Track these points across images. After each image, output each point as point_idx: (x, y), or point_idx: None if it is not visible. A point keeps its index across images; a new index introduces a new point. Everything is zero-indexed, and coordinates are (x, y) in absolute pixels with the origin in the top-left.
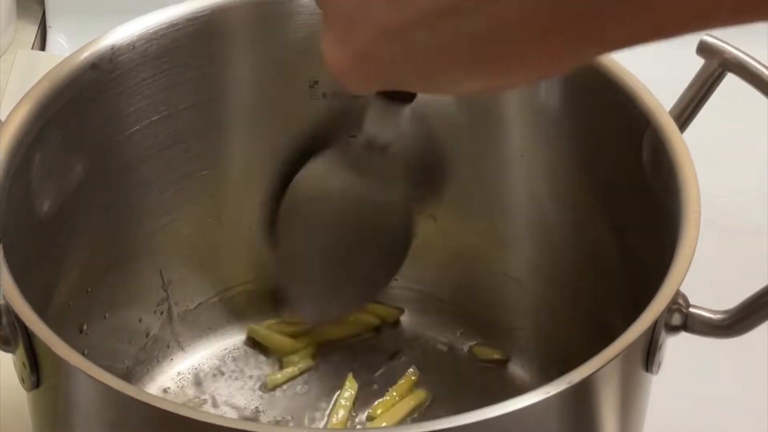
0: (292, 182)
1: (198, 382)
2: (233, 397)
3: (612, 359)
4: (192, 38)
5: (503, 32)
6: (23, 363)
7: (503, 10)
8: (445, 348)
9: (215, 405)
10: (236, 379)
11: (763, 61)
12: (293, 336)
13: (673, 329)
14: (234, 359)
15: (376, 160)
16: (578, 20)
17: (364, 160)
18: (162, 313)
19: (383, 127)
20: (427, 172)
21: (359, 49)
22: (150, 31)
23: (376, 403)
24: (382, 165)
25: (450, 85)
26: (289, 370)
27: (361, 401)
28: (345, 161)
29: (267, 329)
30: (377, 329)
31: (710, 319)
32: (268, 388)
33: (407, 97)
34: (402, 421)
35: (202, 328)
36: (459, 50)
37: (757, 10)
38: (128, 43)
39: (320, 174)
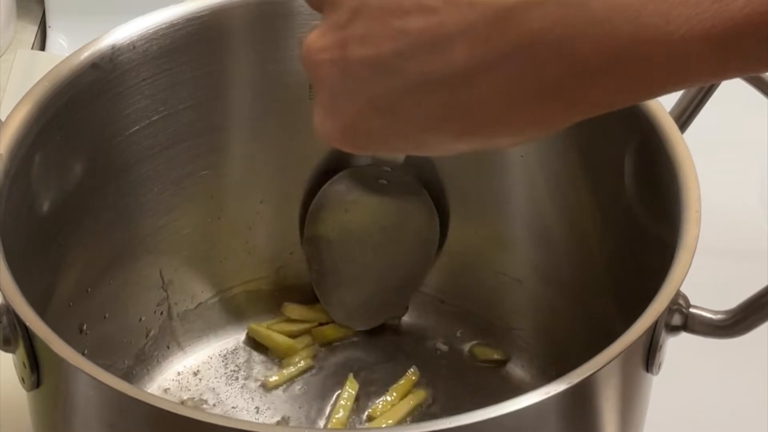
0: (313, 202)
1: (198, 382)
2: (233, 397)
3: (612, 359)
4: (192, 38)
5: (487, 103)
6: (23, 363)
7: (486, 84)
8: (445, 348)
9: (215, 405)
10: (236, 379)
11: None
12: (293, 336)
13: (674, 329)
14: (234, 359)
15: (392, 175)
16: (559, 90)
17: (381, 175)
18: (162, 313)
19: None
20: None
21: (347, 121)
22: (150, 31)
23: (376, 403)
24: (399, 177)
25: (437, 149)
26: (289, 370)
27: (361, 401)
28: (365, 177)
29: (267, 329)
30: (377, 329)
31: (710, 319)
32: (268, 387)
33: None
34: (402, 421)
35: (202, 328)
36: (444, 120)
37: (731, 69)
38: (128, 43)
39: (342, 191)
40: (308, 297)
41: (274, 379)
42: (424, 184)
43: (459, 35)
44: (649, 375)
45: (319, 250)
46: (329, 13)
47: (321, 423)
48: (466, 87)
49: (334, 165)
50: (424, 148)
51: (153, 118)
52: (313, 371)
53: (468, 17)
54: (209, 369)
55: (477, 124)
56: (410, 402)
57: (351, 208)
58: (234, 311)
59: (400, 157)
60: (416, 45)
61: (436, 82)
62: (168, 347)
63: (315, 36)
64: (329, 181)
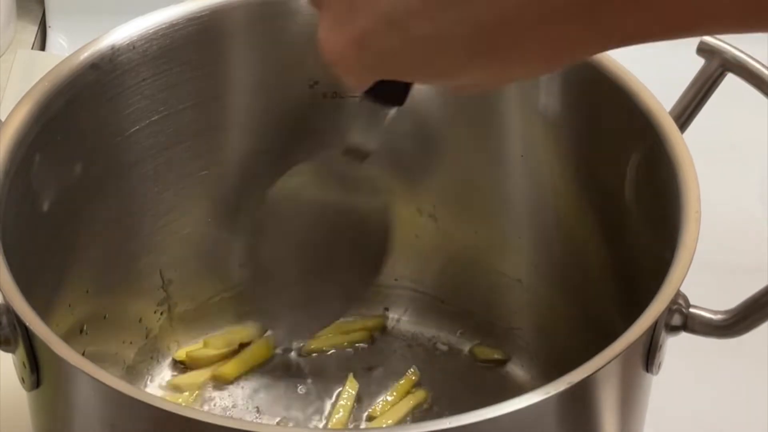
0: (267, 193)
1: None
2: (233, 397)
3: (612, 359)
4: (192, 38)
5: (503, 22)
6: (23, 363)
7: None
8: (445, 348)
9: (215, 405)
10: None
11: (763, 61)
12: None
13: (673, 329)
14: None
15: (354, 171)
16: (578, 11)
17: (343, 170)
18: (162, 313)
19: (369, 133)
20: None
21: (359, 35)
22: (150, 31)
23: (376, 403)
24: (361, 176)
25: (446, 75)
26: (322, 339)
27: (361, 401)
28: (323, 172)
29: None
30: (378, 328)
31: (710, 319)
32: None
33: (397, 99)
34: (402, 421)
35: (202, 328)
36: (459, 39)
37: (761, 18)
38: (128, 43)
39: (297, 186)
40: None
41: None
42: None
43: None
44: (648, 375)
45: (262, 246)
46: None
47: (321, 423)
48: (481, 3)
49: (297, 157)
50: (432, 73)
51: (153, 118)
52: (313, 371)
53: None
54: None
55: (489, 46)
56: (410, 402)
57: (303, 204)
58: (234, 311)
59: (375, 141)
60: None
61: None
62: (168, 347)
63: None
64: (288, 172)
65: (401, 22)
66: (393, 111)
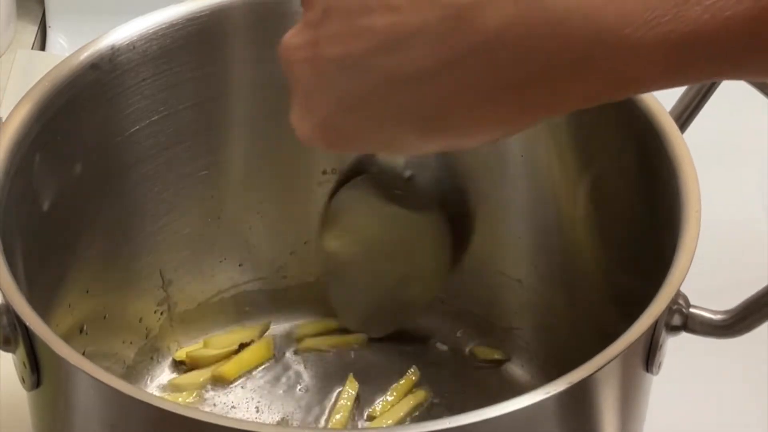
0: (331, 205)
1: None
2: (233, 396)
3: (612, 359)
4: (192, 38)
5: (449, 103)
6: (23, 363)
7: (447, 83)
8: (445, 348)
9: (215, 405)
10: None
11: None
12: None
13: (674, 329)
14: None
15: (408, 186)
16: (517, 91)
17: (397, 185)
18: (162, 313)
19: (392, 159)
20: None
21: (321, 121)
22: (150, 31)
23: (376, 403)
24: (415, 189)
25: (407, 148)
26: (319, 339)
27: (361, 401)
28: (380, 185)
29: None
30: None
31: (710, 319)
32: (300, 350)
33: None
34: (402, 421)
35: (202, 328)
36: (410, 118)
37: (687, 75)
38: (128, 43)
39: (357, 197)
40: (308, 297)
41: (306, 344)
42: (445, 195)
43: (419, 34)
44: (649, 375)
45: (333, 254)
46: (305, 12)
47: (321, 423)
48: (428, 86)
49: (357, 170)
50: (394, 146)
51: (153, 118)
52: (314, 371)
53: (428, 16)
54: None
55: (441, 123)
56: (410, 402)
57: (365, 215)
58: (234, 311)
59: (400, 160)
60: (381, 44)
61: (401, 80)
62: (168, 347)
63: (290, 35)
64: (345, 186)
65: (355, 105)
66: None
